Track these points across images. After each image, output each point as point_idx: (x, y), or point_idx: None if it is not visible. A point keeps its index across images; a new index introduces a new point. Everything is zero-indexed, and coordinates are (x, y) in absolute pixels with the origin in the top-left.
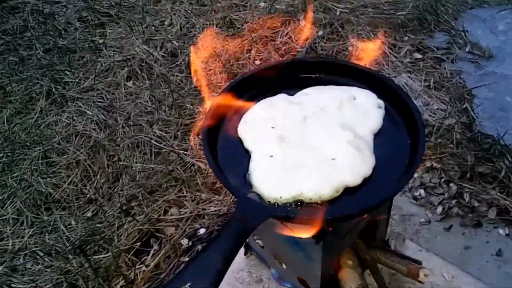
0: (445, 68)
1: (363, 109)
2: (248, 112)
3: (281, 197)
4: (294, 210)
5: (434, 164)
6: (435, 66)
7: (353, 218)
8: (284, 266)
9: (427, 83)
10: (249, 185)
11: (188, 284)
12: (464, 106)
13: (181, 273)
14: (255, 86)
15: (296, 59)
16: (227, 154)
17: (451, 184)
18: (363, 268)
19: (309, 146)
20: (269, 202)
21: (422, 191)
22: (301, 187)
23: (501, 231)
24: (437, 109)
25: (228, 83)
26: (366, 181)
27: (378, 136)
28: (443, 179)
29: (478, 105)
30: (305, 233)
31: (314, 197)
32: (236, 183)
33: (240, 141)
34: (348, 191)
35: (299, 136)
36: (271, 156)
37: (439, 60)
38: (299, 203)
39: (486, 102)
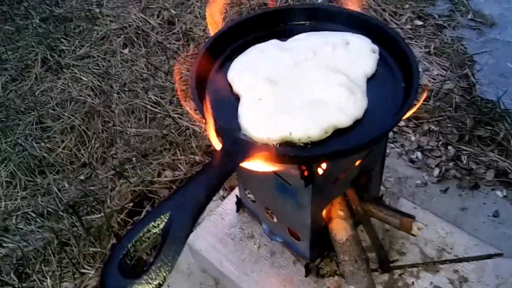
0: (446, 35)
1: (356, 53)
2: (238, 57)
3: (269, 138)
4: (280, 147)
5: (432, 127)
6: (436, 33)
7: (341, 157)
8: (275, 219)
9: (427, 49)
10: (238, 128)
11: (168, 213)
12: (465, 71)
13: (164, 202)
14: (247, 34)
15: (288, 6)
16: (217, 100)
17: (449, 147)
18: (356, 223)
19: (299, 88)
20: None
21: (419, 154)
22: (289, 128)
23: (498, 193)
24: (437, 74)
25: (218, 30)
26: (357, 123)
27: (372, 81)
28: (440, 142)
29: (479, 70)
30: (293, 174)
31: (302, 137)
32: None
33: (230, 87)
34: (339, 133)
35: (289, 79)
36: (260, 99)
37: (440, 27)
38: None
39: (486, 68)
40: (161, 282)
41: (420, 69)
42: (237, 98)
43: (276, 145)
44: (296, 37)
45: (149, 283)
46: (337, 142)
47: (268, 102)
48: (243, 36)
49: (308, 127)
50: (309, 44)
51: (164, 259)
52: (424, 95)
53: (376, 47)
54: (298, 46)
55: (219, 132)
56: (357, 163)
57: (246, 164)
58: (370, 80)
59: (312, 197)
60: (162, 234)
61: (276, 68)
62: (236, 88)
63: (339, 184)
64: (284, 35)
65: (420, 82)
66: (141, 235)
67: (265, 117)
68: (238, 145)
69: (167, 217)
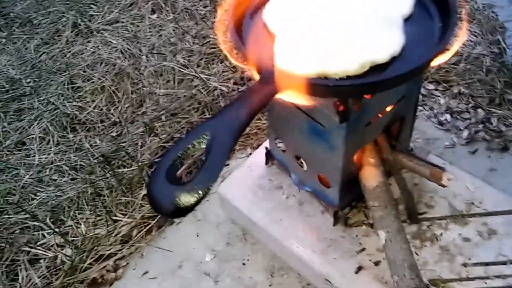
0: (477, 2)
1: None
2: None
3: (305, 74)
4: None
5: (462, 90)
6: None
7: (379, 89)
8: (305, 167)
9: (457, 15)
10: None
11: (210, 131)
12: (496, 37)
13: (207, 121)
14: None
15: None
16: (253, 39)
17: (479, 110)
18: (386, 174)
19: (336, 24)
20: None
21: (448, 116)
22: (326, 62)
23: None
24: (467, 40)
25: None
26: (394, 59)
27: (409, 21)
28: (470, 105)
29: (510, 36)
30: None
31: (339, 72)
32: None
33: (266, 27)
34: (376, 69)
35: (326, 16)
36: (296, 34)
37: None
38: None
39: None
40: (206, 191)
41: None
42: (272, 37)
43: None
44: None
45: (195, 190)
46: (375, 76)
47: (304, 37)
48: None
49: (346, 61)
50: None
51: (209, 169)
52: (465, 30)
53: None
54: None
55: (256, 65)
56: (390, 108)
57: (284, 95)
58: (407, 20)
59: (345, 137)
60: (206, 149)
61: (313, 5)
62: (271, 26)
63: (372, 128)
64: None
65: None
66: (186, 149)
67: (301, 53)
68: (275, 75)
69: (209, 135)
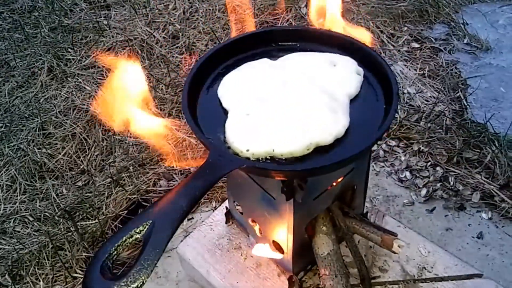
0: (441, 58)
1: (342, 74)
2: (228, 74)
3: (253, 154)
4: (262, 162)
5: (422, 148)
6: (432, 55)
7: (319, 173)
8: (260, 233)
9: (422, 72)
10: (224, 142)
11: (151, 220)
12: (457, 94)
13: (147, 209)
14: (239, 52)
15: (279, 27)
16: (206, 114)
17: (437, 168)
18: (340, 239)
19: (285, 106)
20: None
21: (408, 173)
22: (273, 143)
23: (484, 215)
24: (430, 96)
25: (210, 49)
26: (339, 141)
27: (355, 101)
28: (429, 163)
29: (471, 94)
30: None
31: (285, 153)
32: (212, 139)
33: (220, 102)
34: (321, 150)
35: (276, 97)
36: (247, 114)
37: (436, 50)
38: (270, 159)
39: (479, 92)
40: (139, 285)
41: (400, 92)
42: (225, 113)
43: (260, 159)
44: (286, 56)
45: (128, 285)
46: (317, 159)
47: (254, 118)
48: (236, 54)
49: (291, 144)
50: (297, 64)
51: (144, 263)
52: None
53: (361, 69)
54: (287, 65)
55: (205, 144)
56: (339, 180)
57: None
58: (353, 100)
59: (294, 211)
60: (143, 240)
61: (264, 85)
62: (225, 104)
63: (321, 200)
64: (274, 55)
65: (399, 105)
66: (124, 239)
67: (250, 133)
68: (222, 158)
69: (149, 223)
